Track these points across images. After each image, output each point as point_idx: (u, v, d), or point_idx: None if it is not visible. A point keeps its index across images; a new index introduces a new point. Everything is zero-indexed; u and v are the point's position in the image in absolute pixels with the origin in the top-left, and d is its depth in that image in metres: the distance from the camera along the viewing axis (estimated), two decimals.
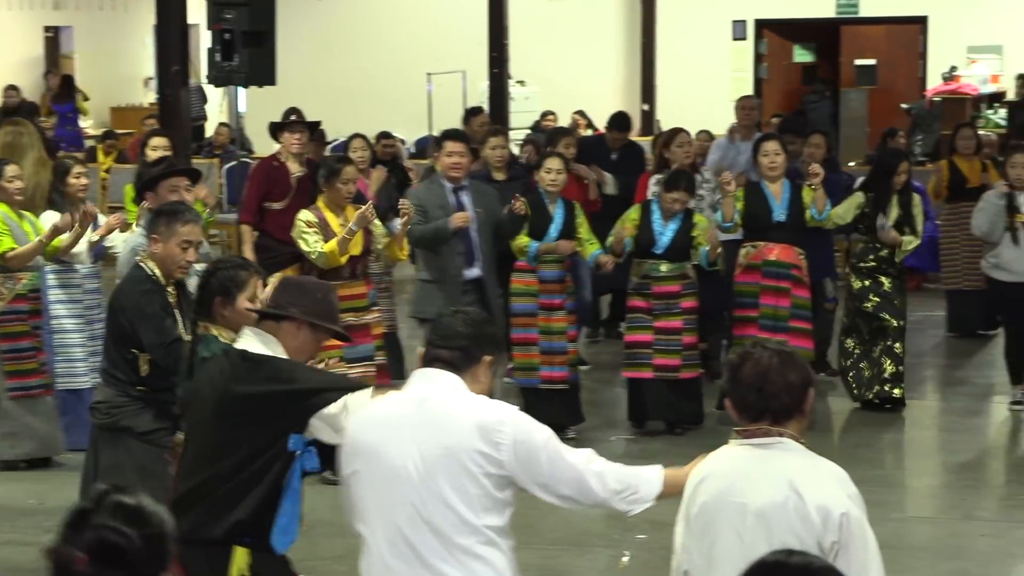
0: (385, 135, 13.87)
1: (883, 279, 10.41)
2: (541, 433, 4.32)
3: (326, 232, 8.80)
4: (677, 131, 11.34)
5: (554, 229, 9.79)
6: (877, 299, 10.39)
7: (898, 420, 10.39)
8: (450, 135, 9.63)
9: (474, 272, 9.31)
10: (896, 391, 10.48)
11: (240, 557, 4.65)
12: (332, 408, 4.57)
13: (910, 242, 10.32)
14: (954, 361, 12.33)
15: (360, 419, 4.37)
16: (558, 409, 9.69)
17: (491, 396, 4.38)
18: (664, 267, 9.85)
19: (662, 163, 11.11)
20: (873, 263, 10.41)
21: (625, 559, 7.54)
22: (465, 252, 9.27)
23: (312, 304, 4.83)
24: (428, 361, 4.34)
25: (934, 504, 8.63)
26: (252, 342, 4.78)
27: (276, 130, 10.18)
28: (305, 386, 4.66)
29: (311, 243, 8.78)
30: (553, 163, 9.86)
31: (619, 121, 12.84)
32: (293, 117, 11.27)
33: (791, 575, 2.84)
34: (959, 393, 11.19)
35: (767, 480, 3.90)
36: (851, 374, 10.53)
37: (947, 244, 12.87)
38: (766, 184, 10.14)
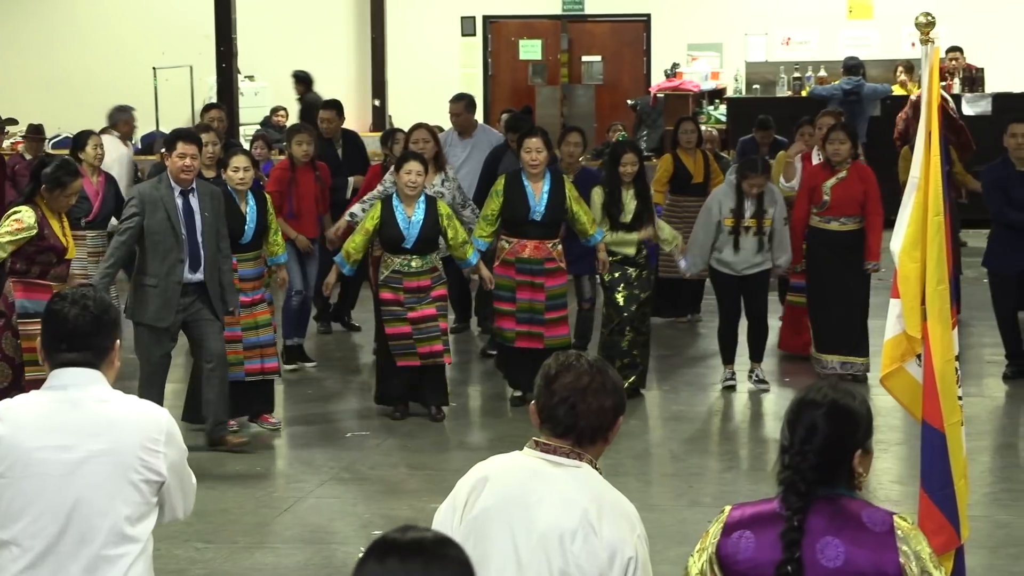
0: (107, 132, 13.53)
1: (631, 271, 10.66)
2: (181, 438, 4.24)
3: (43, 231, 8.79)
4: (418, 126, 11.40)
5: (250, 228, 9.80)
6: (626, 291, 10.64)
7: (640, 408, 10.63)
8: (183, 136, 9.37)
9: (197, 276, 9.16)
10: (630, 380, 10.74)
11: None
12: None
13: (672, 239, 10.69)
14: (661, 347, 12.63)
15: (3, 422, 4.10)
16: (258, 398, 9.90)
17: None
18: (415, 263, 9.94)
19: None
20: (620, 256, 10.66)
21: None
22: (188, 257, 9.11)
23: None
24: (59, 363, 4.13)
25: (664, 492, 8.83)
26: None
27: None
28: None
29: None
30: (239, 161, 9.85)
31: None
32: None
33: (403, 549, 2.82)
34: (673, 379, 11.48)
35: (559, 502, 3.77)
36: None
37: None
38: (528, 180, 10.28)
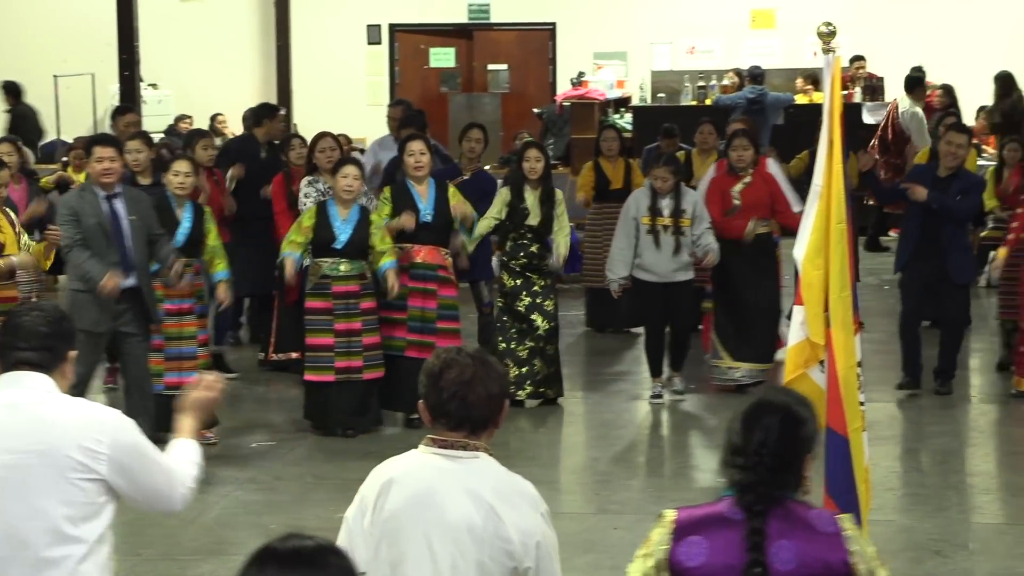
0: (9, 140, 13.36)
1: (534, 277, 10.65)
2: (140, 438, 4.22)
3: None
4: (322, 135, 11.36)
5: (182, 232, 9.72)
6: (528, 299, 10.63)
7: (553, 418, 10.65)
8: (99, 140, 9.32)
9: (129, 281, 9.06)
10: (550, 392, 10.75)
11: None
12: None
13: (560, 244, 10.67)
14: (595, 358, 12.69)
15: None
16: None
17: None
18: (344, 266, 9.89)
19: (311, 167, 11.16)
20: (524, 260, 10.65)
21: None
22: (120, 262, 9.02)
23: None
24: (12, 364, 4.17)
25: (574, 500, 8.85)
26: None
27: None
28: None
29: None
30: (181, 166, 9.78)
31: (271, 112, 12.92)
32: None
33: (286, 559, 2.80)
34: (602, 390, 11.52)
35: (465, 497, 3.86)
36: None
37: (591, 243, 13.26)
38: (412, 184, 10.27)
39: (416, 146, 10.31)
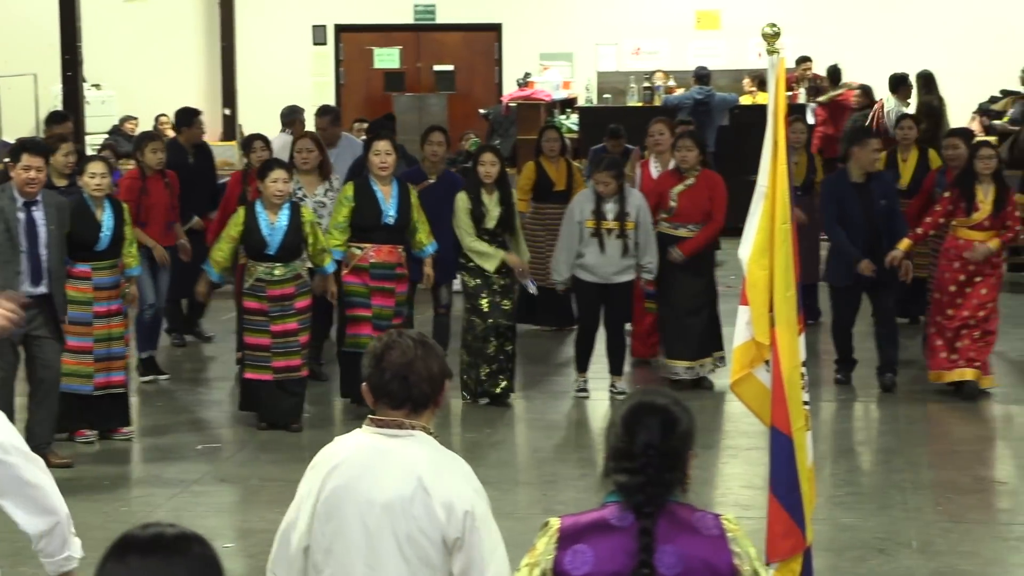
0: None
1: (494, 277, 10.67)
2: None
3: None
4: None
5: (105, 234, 9.70)
6: (488, 298, 10.65)
7: (498, 417, 10.65)
8: (28, 147, 9.17)
9: (39, 289, 8.98)
10: (497, 389, 10.76)
11: None
12: None
13: (521, 250, 10.72)
14: (536, 357, 12.69)
15: None
16: (111, 413, 9.81)
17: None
18: (278, 271, 9.89)
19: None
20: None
21: None
22: (30, 269, 8.94)
23: None
24: None
25: (520, 500, 8.84)
26: None
27: None
28: None
29: None
30: (96, 167, 9.73)
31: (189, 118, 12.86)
32: None
33: (143, 546, 2.77)
34: (547, 389, 11.53)
35: (396, 473, 4.03)
36: (468, 374, 10.76)
37: (532, 243, 13.25)
38: (376, 184, 10.26)
39: (382, 146, 10.32)
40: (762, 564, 3.81)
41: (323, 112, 13.10)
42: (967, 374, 10.80)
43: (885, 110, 16.85)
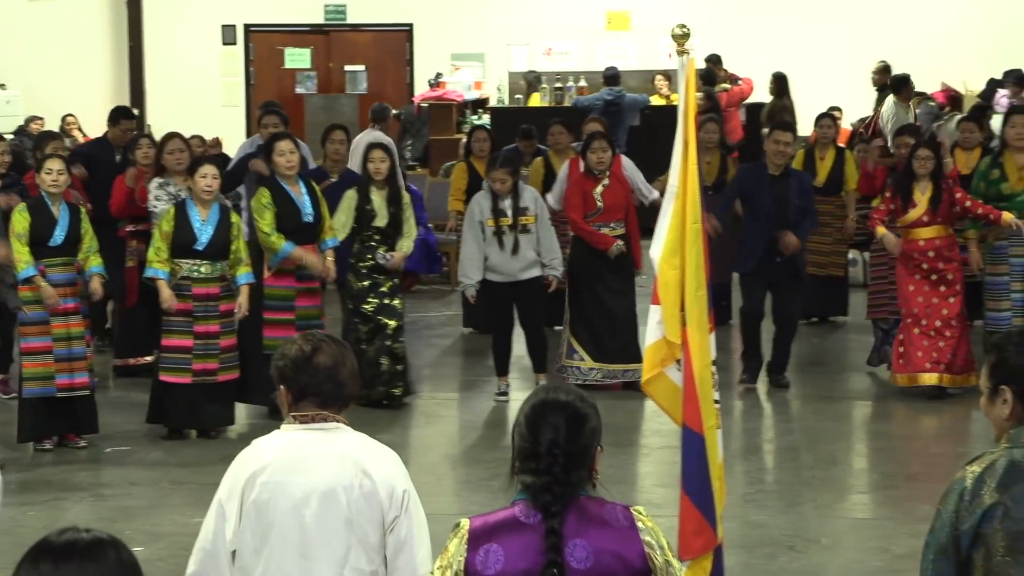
0: None
1: (381, 278, 10.63)
2: None
3: None
4: (172, 136, 11.23)
5: (60, 231, 9.56)
6: (376, 300, 10.61)
7: (415, 418, 10.63)
8: None
9: None
10: (396, 390, 10.72)
11: None
12: None
13: (403, 245, 10.65)
14: (468, 359, 12.71)
15: None
16: (77, 416, 9.63)
17: None
18: (205, 268, 9.78)
19: (160, 168, 11.02)
20: (372, 262, 10.63)
21: None
22: None
23: None
24: None
25: (435, 501, 8.80)
26: None
27: None
28: None
29: None
30: (53, 164, 9.66)
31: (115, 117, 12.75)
32: None
33: (59, 553, 2.75)
34: (469, 389, 11.53)
35: (333, 461, 4.14)
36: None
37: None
38: (287, 185, 10.20)
39: (285, 145, 10.26)
40: (673, 554, 3.83)
41: (272, 112, 13.01)
42: (938, 379, 10.85)
43: (883, 112, 16.97)
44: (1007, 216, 10.66)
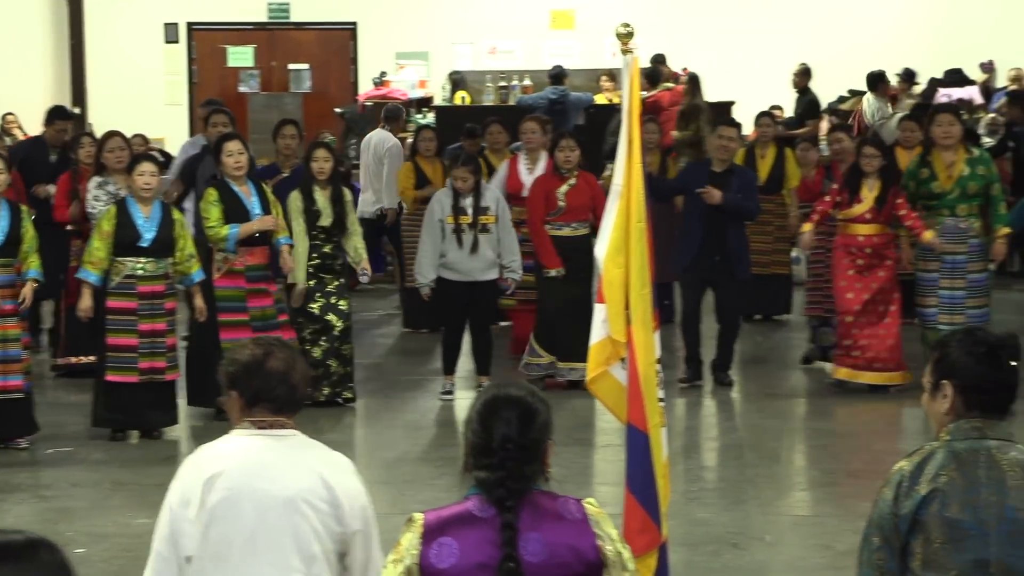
0: None
1: (327, 278, 10.60)
2: None
3: None
4: (112, 134, 11.15)
5: (0, 231, 9.49)
6: (322, 299, 10.58)
7: (357, 418, 10.61)
8: None
9: None
10: (346, 393, 10.70)
11: None
12: None
13: (357, 244, 10.65)
14: (408, 358, 12.69)
15: None
16: (11, 419, 9.54)
17: None
18: (149, 266, 9.71)
19: (100, 167, 10.93)
20: (318, 261, 10.60)
21: None
22: None
23: None
24: None
25: (378, 501, 8.77)
26: None
27: None
28: None
29: None
30: None
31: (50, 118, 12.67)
32: None
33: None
34: (411, 389, 11.51)
35: (295, 470, 4.13)
36: None
37: (412, 243, 13.23)
38: (236, 186, 10.15)
39: (234, 146, 10.20)
40: (624, 544, 3.88)
41: (217, 110, 12.97)
42: (873, 377, 10.97)
43: (865, 109, 17.04)
44: (927, 235, 10.80)
